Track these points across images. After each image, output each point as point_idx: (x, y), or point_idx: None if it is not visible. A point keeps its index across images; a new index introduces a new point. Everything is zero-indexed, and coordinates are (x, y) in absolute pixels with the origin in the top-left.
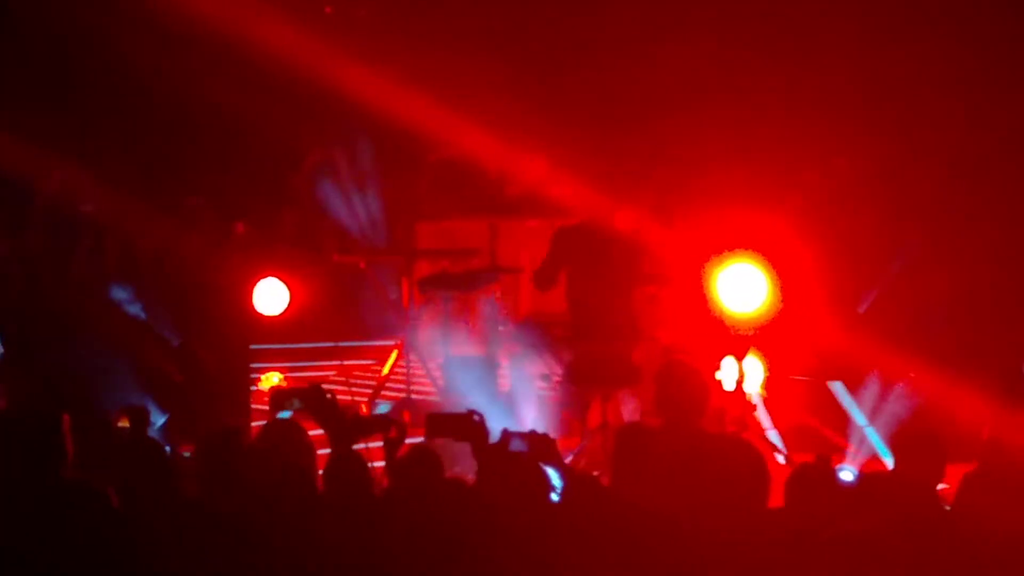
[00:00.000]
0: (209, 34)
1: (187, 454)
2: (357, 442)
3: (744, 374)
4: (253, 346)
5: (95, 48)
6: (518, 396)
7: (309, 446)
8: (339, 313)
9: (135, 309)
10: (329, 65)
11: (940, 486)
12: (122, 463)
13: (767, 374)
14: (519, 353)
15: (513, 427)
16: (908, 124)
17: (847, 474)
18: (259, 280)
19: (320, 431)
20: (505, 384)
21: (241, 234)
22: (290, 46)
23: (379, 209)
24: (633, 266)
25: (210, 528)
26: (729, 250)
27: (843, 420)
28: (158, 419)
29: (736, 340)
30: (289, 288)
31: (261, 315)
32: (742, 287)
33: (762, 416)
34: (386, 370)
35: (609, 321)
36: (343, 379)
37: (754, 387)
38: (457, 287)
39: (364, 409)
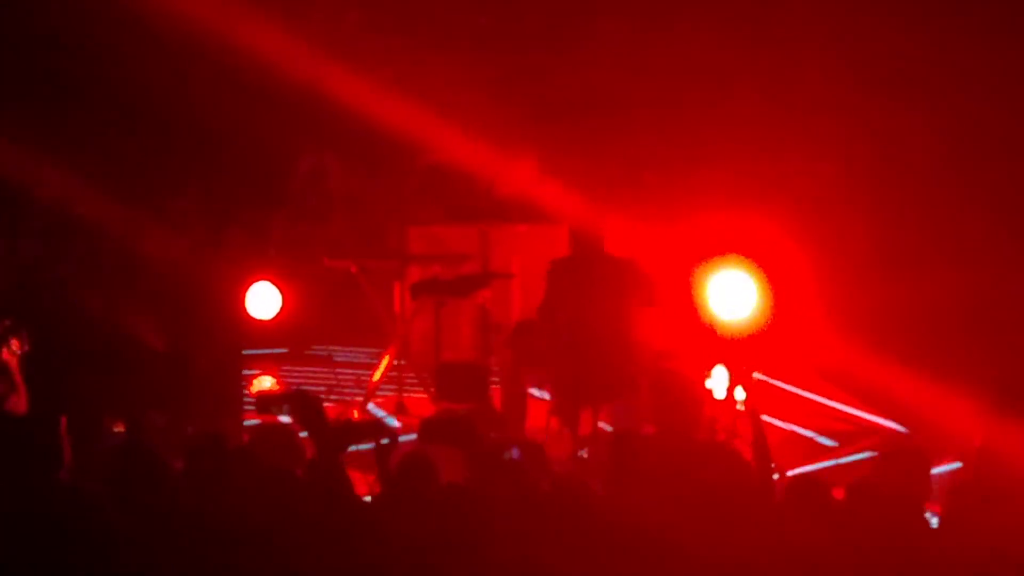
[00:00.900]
0: (198, 38)
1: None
2: (348, 447)
3: (735, 382)
4: (245, 351)
5: (86, 52)
6: (509, 403)
7: (300, 449)
8: (331, 318)
9: None
10: (319, 69)
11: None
12: (115, 468)
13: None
14: (510, 359)
15: (504, 434)
16: (898, 126)
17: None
18: (251, 284)
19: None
20: (496, 391)
21: None
22: (280, 50)
23: (369, 214)
24: (627, 292)
25: (200, 533)
26: (718, 255)
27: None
28: (152, 424)
29: (726, 347)
30: (281, 292)
31: (253, 319)
32: (732, 293)
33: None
34: (377, 375)
35: (600, 332)
36: (333, 383)
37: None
38: (448, 292)
39: (355, 414)
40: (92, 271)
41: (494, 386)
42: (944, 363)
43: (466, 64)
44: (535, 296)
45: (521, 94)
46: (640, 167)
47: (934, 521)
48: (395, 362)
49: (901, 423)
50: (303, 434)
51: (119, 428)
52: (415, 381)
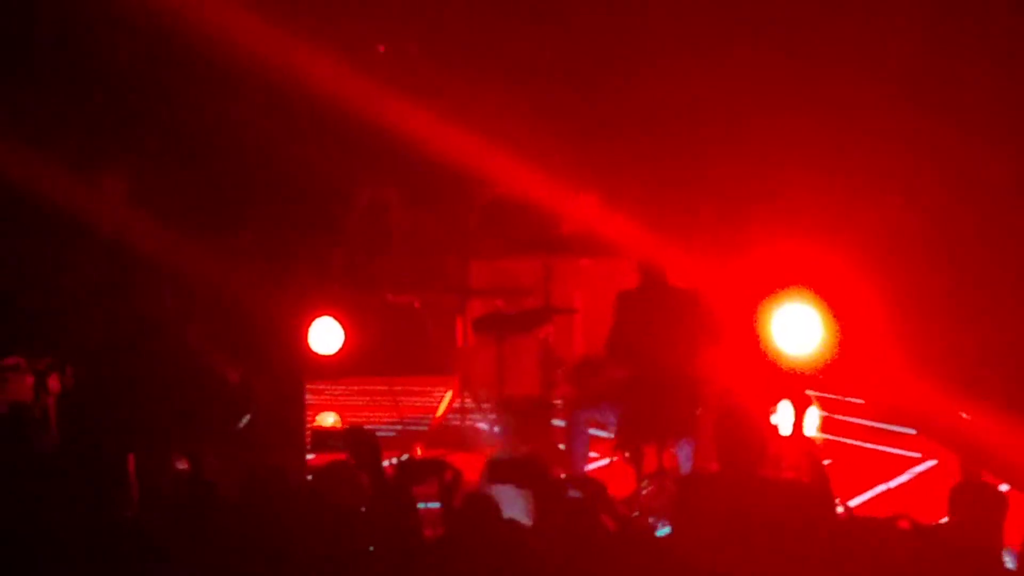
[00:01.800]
0: (258, 72)
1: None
2: (412, 486)
3: (801, 418)
4: (308, 385)
5: (151, 88)
6: (572, 440)
7: (363, 489)
8: (393, 352)
9: None
10: (379, 102)
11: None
12: (179, 503)
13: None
14: (573, 395)
15: (567, 472)
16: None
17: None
18: (314, 319)
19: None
20: (559, 427)
21: None
22: (340, 83)
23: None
24: (691, 319)
25: (262, 569)
26: (783, 289)
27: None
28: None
29: (792, 383)
30: (344, 327)
31: (316, 354)
32: (797, 328)
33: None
34: (441, 411)
35: (666, 368)
36: (397, 418)
37: (811, 431)
38: (511, 327)
39: (418, 450)
40: (154, 305)
41: (556, 421)
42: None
43: (527, 96)
44: (597, 331)
45: (582, 127)
46: (704, 200)
47: (1010, 562)
48: (458, 397)
49: (970, 460)
50: None
51: (183, 464)
52: (478, 416)
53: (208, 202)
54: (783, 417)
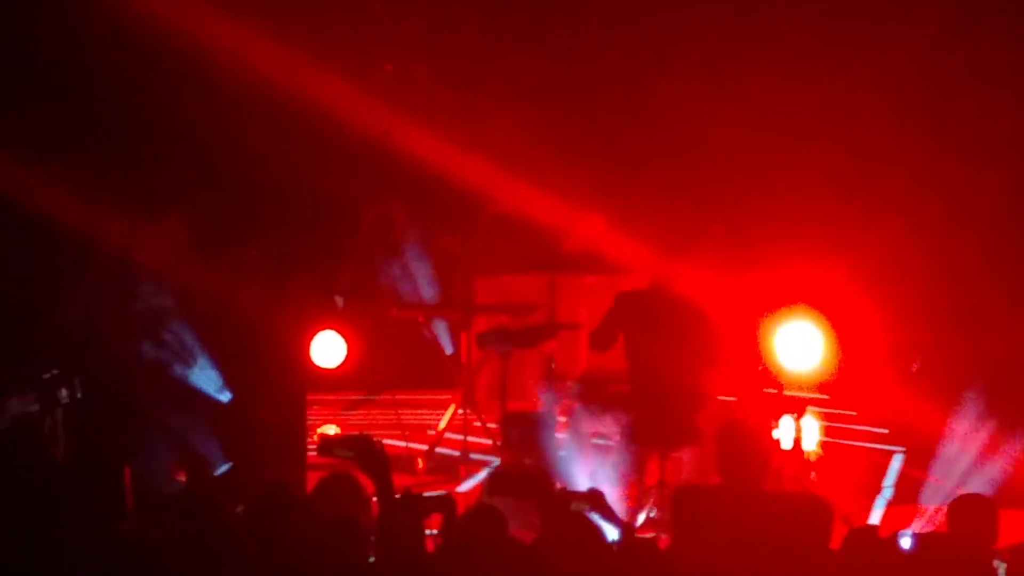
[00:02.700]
0: (269, 91)
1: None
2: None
3: (802, 433)
4: (310, 398)
5: (160, 103)
6: (575, 454)
7: (365, 500)
8: (396, 366)
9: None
10: (387, 121)
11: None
12: (177, 516)
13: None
14: (577, 410)
15: (570, 485)
16: (966, 181)
17: (907, 541)
18: (316, 333)
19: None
20: (562, 441)
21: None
22: (348, 102)
23: (437, 264)
24: (694, 331)
25: None
26: (786, 307)
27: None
28: (215, 472)
29: (794, 398)
30: (346, 341)
31: (318, 367)
32: (800, 345)
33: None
34: (443, 424)
35: (669, 381)
36: (399, 432)
37: (812, 446)
38: (515, 343)
39: (420, 463)
40: (156, 318)
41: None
42: (1014, 416)
43: (533, 116)
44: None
45: (588, 146)
46: (708, 219)
47: (1001, 570)
48: (460, 411)
49: (965, 474)
50: None
51: (181, 477)
52: (480, 431)
53: (214, 218)
54: (784, 432)
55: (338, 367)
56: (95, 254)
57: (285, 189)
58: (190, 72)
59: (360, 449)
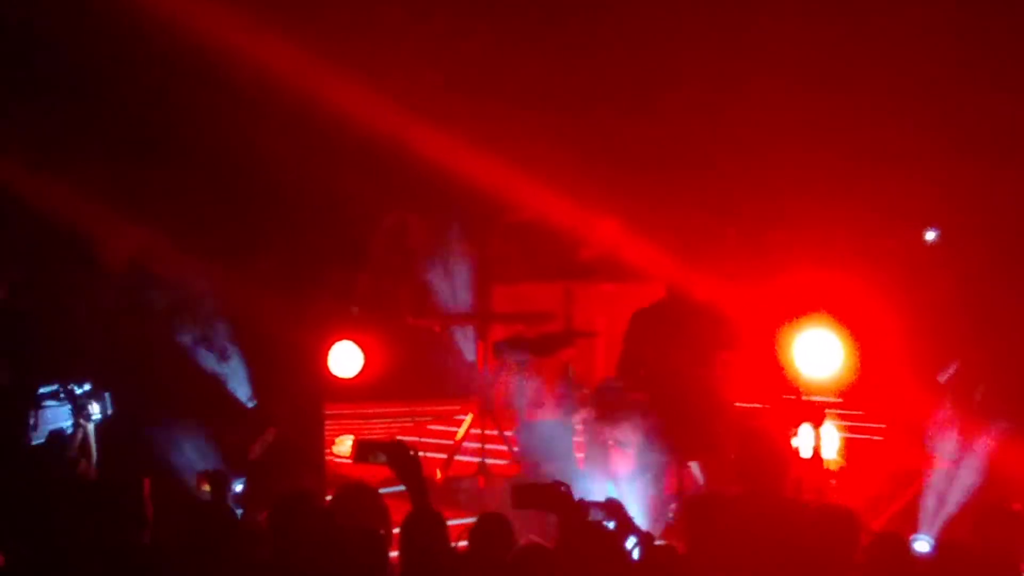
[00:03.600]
0: (284, 98)
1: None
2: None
3: (821, 441)
4: (328, 409)
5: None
6: (593, 462)
7: (384, 510)
8: (414, 376)
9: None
10: (402, 128)
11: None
12: (197, 528)
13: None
14: (594, 418)
15: (588, 494)
16: (985, 186)
17: (922, 544)
18: (334, 343)
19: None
20: (580, 449)
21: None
22: (363, 108)
23: (454, 272)
24: (710, 336)
25: None
26: (805, 314)
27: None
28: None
29: (813, 406)
30: (364, 351)
31: (336, 377)
32: (819, 352)
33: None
34: (461, 434)
35: (687, 390)
36: (417, 441)
37: (832, 454)
38: (532, 351)
39: (438, 474)
40: (175, 330)
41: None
42: None
43: (548, 122)
44: (619, 354)
45: (604, 152)
46: (725, 226)
47: None
48: (478, 421)
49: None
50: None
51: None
52: (498, 440)
53: (230, 227)
54: (804, 440)
55: (355, 377)
56: (112, 268)
57: (299, 199)
58: (205, 80)
59: (394, 454)
